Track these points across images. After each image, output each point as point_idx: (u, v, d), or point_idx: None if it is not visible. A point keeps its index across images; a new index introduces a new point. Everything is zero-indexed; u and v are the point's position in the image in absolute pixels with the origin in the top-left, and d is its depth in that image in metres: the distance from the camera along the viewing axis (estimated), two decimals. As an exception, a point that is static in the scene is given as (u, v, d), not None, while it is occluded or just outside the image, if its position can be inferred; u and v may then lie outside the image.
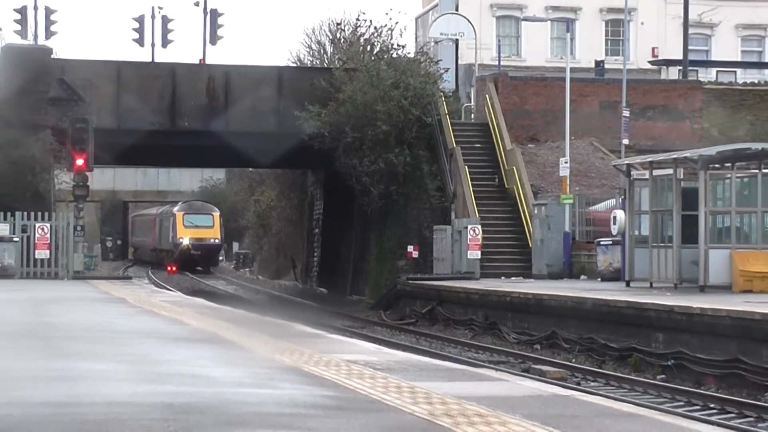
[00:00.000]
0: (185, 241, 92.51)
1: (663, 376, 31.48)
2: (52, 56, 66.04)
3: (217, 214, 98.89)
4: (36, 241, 52.48)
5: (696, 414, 23.84)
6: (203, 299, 44.58)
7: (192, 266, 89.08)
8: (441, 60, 68.08)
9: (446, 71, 66.69)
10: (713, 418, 23.07)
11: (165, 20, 69.56)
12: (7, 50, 62.87)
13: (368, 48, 68.34)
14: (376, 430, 10.98)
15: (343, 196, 68.11)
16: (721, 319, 31.32)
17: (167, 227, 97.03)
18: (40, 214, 54.09)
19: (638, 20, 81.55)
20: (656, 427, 12.36)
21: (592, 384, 30.30)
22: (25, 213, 53.32)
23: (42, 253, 52.40)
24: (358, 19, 70.18)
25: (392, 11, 75.34)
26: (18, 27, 66.76)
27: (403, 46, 70.78)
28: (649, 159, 44.25)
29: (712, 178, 39.79)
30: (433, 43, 72.41)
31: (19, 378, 14.86)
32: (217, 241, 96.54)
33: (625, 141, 56.90)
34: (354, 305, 58.89)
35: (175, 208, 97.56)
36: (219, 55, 69.75)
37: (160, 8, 69.48)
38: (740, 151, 41.35)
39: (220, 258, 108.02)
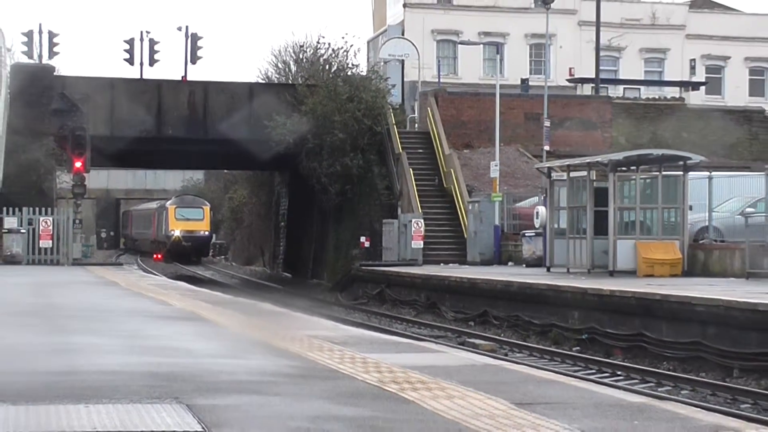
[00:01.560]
0: (176, 233, 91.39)
1: (578, 348, 31.62)
2: (55, 73, 65.89)
3: (207, 207, 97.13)
4: (40, 233, 52.32)
5: (605, 380, 23.95)
6: (185, 283, 44.47)
7: (183, 257, 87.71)
8: (389, 77, 68.00)
9: (394, 87, 66.67)
10: (620, 384, 23.19)
11: (152, 42, 69.38)
12: (16, 68, 62.60)
13: (327, 67, 68.30)
14: (333, 395, 11.05)
15: (305, 194, 68.01)
16: (627, 299, 31.54)
17: (161, 220, 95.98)
18: (43, 209, 53.91)
19: (557, 44, 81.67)
20: (571, 390, 12.49)
21: (518, 355, 30.39)
22: (31, 208, 53.11)
23: (45, 243, 52.24)
24: (318, 42, 70.14)
25: (347, 35, 75.22)
26: (25, 48, 66.82)
27: (357, 66, 70.88)
28: (567, 163, 44.44)
29: (620, 179, 39.92)
30: (382, 63, 72.28)
31: (24, 351, 14.89)
32: (206, 233, 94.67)
33: (547, 147, 57.04)
34: (314, 288, 58.70)
35: (168, 202, 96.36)
36: (199, 73, 69.90)
37: (148, 32, 69.35)
38: (643, 156, 41.59)
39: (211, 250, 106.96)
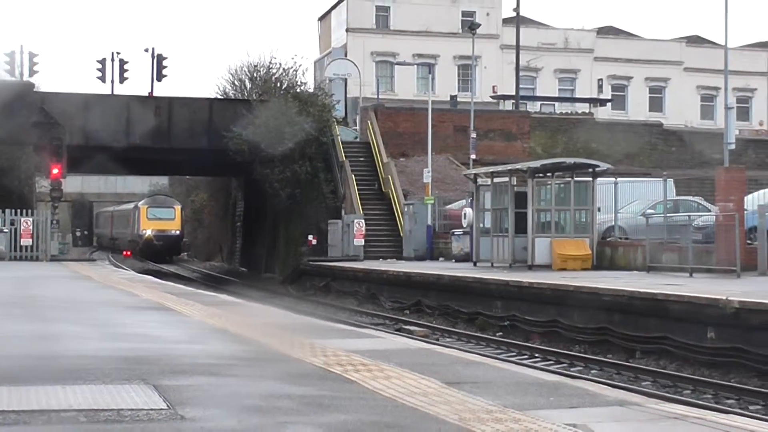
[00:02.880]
0: (148, 232, 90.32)
1: (501, 333, 31.62)
2: (34, 89, 65.65)
3: (178, 207, 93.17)
4: (21, 232, 52.09)
5: (525, 361, 23.98)
6: (151, 276, 44.32)
7: (155, 256, 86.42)
8: (334, 94, 68.02)
9: (338, 102, 66.68)
10: (537, 365, 23.26)
11: (122, 62, 69.29)
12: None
13: (278, 84, 68.16)
14: (284, 376, 11.02)
15: (258, 197, 67.78)
16: (543, 290, 31.62)
17: (133, 220, 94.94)
18: (24, 211, 53.70)
19: (482, 65, 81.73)
20: (495, 371, 12.54)
21: (448, 339, 30.37)
22: (13, 210, 52.86)
23: (26, 241, 52.01)
24: (270, 62, 69.97)
25: (296, 56, 75.18)
26: (8, 66, 66.58)
27: (305, 83, 70.72)
28: (491, 170, 44.48)
29: (537, 184, 40.02)
30: (328, 81, 72.22)
31: (8, 337, 14.78)
32: (177, 232, 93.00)
33: (473, 156, 57.10)
34: (267, 281, 58.52)
35: (140, 202, 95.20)
36: (164, 89, 69.60)
37: (118, 53, 69.35)
38: (558, 164, 41.71)
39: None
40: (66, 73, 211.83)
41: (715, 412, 11.44)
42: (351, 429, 8.09)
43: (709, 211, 37.70)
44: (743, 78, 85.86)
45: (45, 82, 73.88)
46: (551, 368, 23.05)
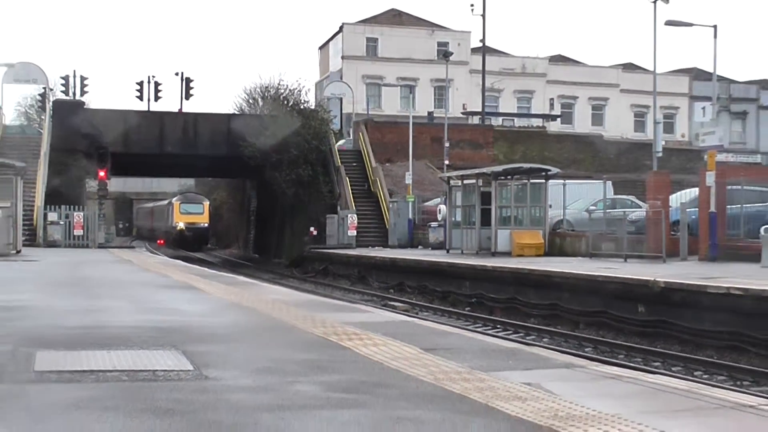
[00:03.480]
0: (180, 225, 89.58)
1: (469, 308, 31.64)
2: (84, 106, 65.67)
3: (206, 203, 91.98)
4: (74, 224, 52.00)
5: (489, 331, 24.00)
6: (181, 261, 44.22)
7: (186, 245, 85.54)
8: (331, 110, 67.85)
9: (335, 117, 66.61)
10: (499, 334, 23.27)
11: (156, 84, 69.23)
12: (57, 103, 62.37)
13: (285, 102, 68.12)
14: (289, 343, 11.05)
15: (268, 195, 67.65)
16: (504, 272, 31.71)
17: (168, 213, 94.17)
18: (76, 207, 53.55)
19: (454, 87, 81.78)
20: (464, 339, 12.60)
21: (425, 313, 30.29)
22: (67, 206, 52.74)
23: (78, 232, 51.90)
24: (279, 84, 69.94)
25: (300, 79, 75.11)
26: (63, 88, 66.66)
27: (307, 101, 70.68)
28: (461, 174, 44.51)
29: (499, 185, 39.99)
30: (326, 99, 71.95)
31: (64, 311, 14.74)
32: (206, 224, 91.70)
33: (446, 162, 57.10)
34: (276, 265, 58.37)
35: (174, 199, 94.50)
36: (190, 106, 69.50)
37: (153, 76, 69.45)
38: (516, 168, 41.71)
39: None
40: (110, 93, 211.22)
41: (644, 373, 11.48)
42: (345, 387, 8.10)
43: (641, 207, 37.77)
44: (668, 98, 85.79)
45: (93, 101, 73.65)
46: (510, 337, 23.07)
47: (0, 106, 59.48)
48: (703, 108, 39.17)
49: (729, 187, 33.46)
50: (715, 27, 39.78)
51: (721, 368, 18.39)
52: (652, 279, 23.97)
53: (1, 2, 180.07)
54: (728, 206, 33.00)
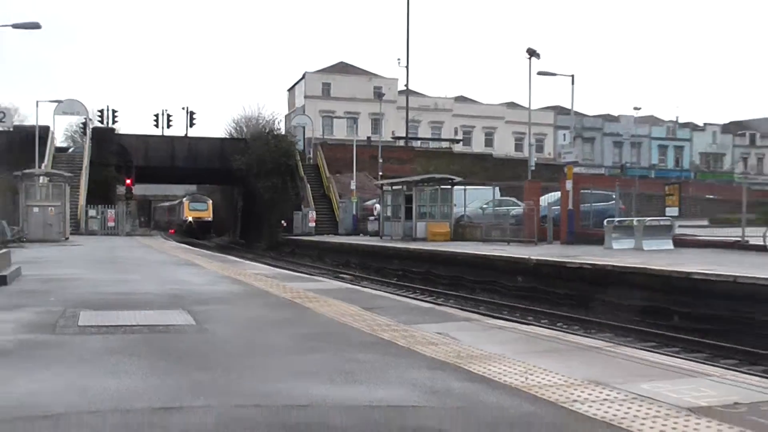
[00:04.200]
0: (189, 219, 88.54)
1: (396, 279, 31.54)
2: (115, 132, 65.54)
3: (210, 201, 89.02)
4: (107, 218, 51.65)
5: (410, 296, 23.89)
6: (187, 245, 43.97)
7: (193, 234, 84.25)
8: (297, 136, 67.82)
9: (299, 141, 66.58)
10: (418, 297, 23.05)
11: (168, 115, 69.45)
12: (94, 130, 62.08)
13: (263, 129, 68.28)
14: (266, 305, 11.05)
15: (251, 197, 67.45)
16: (422, 252, 31.74)
17: (180, 210, 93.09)
18: (109, 205, 53.25)
19: (386, 119, 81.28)
20: (394, 301, 12.60)
21: (365, 283, 30.04)
22: (103, 205, 52.43)
23: (111, 224, 51.51)
24: (258, 115, 70.46)
25: (274, 112, 75.71)
26: (99, 117, 66.62)
27: (279, 129, 71.08)
28: (391, 182, 44.48)
29: (418, 190, 39.99)
30: (293, 127, 71.80)
31: (102, 282, 14.61)
32: (209, 218, 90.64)
33: (380, 173, 56.98)
34: (256, 248, 57.97)
35: (184, 198, 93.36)
36: (193, 131, 68.85)
37: (166, 109, 69.74)
38: (430, 178, 41.74)
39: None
40: (134, 122, 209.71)
41: (522, 325, 11.58)
42: (306, 335, 8.10)
43: (519, 206, 37.98)
44: (539, 127, 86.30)
45: (122, 127, 73.26)
46: (426, 299, 23.04)
47: (52, 131, 58.76)
48: (564, 134, 39.74)
49: (581, 191, 33.94)
50: (572, 76, 40.13)
51: (575, 321, 18.58)
52: (528, 257, 24.18)
53: (51, 51, 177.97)
54: (581, 205, 33.47)
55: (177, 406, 5.00)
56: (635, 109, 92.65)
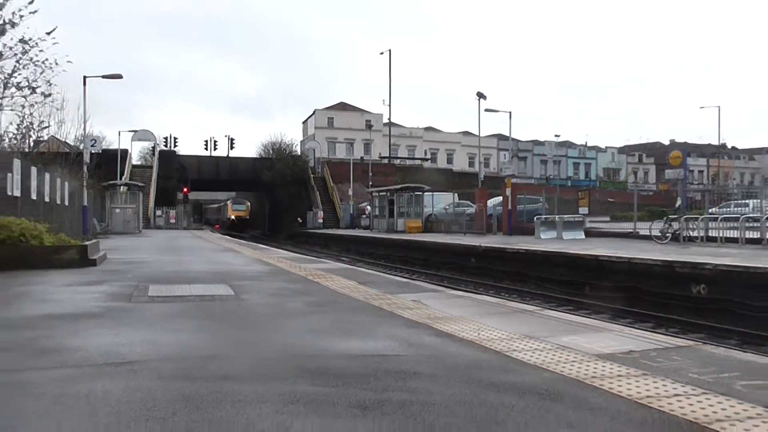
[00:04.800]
0: (232, 217, 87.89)
1: (383, 261, 31.36)
2: (176, 153, 65.34)
3: (248, 203, 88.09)
4: (170, 216, 51.52)
5: (392, 273, 23.85)
6: (228, 237, 43.82)
7: (234, 229, 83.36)
8: (309, 156, 67.83)
9: (310, 160, 66.65)
10: (398, 274, 23.06)
11: (215, 141, 70.11)
12: (161, 153, 62.03)
13: (285, 151, 68.12)
14: (287, 281, 10.94)
15: (276, 201, 67.48)
16: (401, 241, 31.69)
17: (225, 210, 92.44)
18: (171, 207, 53.14)
19: (375, 143, 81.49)
20: (380, 277, 12.50)
21: (360, 264, 30.01)
22: (167, 207, 52.35)
23: (172, 220, 51.41)
24: (281, 141, 70.33)
25: (293, 139, 75.33)
26: (164, 142, 66.44)
27: (296, 151, 70.80)
28: (378, 189, 44.46)
29: (398, 196, 40.05)
30: (307, 149, 71.83)
31: (165, 263, 14.50)
32: (247, 217, 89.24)
33: (371, 183, 56.90)
34: (280, 239, 57.92)
35: (228, 201, 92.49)
36: (233, 153, 68.44)
37: (213, 137, 70.10)
38: (408, 187, 41.67)
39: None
40: (191, 145, 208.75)
41: (475, 294, 11.56)
42: (316, 302, 8.06)
43: (473, 207, 38.02)
44: (486, 150, 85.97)
45: (181, 150, 73.02)
46: (404, 276, 22.97)
47: (130, 153, 58.50)
48: (504, 154, 39.84)
49: (518, 196, 33.99)
50: (510, 112, 40.51)
51: (514, 291, 18.59)
52: (479, 244, 24.18)
53: (129, 93, 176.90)
54: (518, 206, 33.51)
55: (220, 355, 4.96)
56: (556, 135, 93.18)
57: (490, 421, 3.43)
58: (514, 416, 3.51)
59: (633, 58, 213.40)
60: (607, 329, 6.48)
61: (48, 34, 15.96)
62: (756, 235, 20.10)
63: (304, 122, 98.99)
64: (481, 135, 51.30)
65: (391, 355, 5.01)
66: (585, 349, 5.29)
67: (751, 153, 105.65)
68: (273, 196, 69.01)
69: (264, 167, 63.66)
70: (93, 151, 31.63)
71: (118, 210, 38.92)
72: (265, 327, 6.30)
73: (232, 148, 72.18)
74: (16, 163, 15.67)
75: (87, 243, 14.01)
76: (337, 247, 40.72)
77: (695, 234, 21.99)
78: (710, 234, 21.54)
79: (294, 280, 11.03)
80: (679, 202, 27.56)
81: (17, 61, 16.04)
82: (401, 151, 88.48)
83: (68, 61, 16.40)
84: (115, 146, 55.00)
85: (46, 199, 19.34)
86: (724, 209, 24.62)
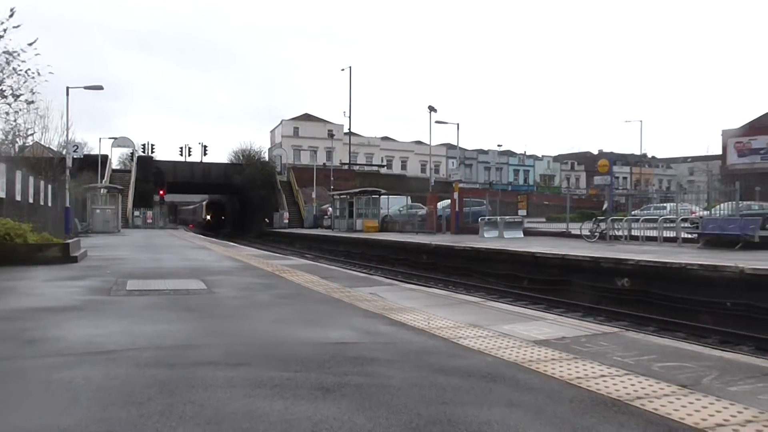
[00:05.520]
0: (207, 217, 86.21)
1: (343, 257, 31.14)
2: (153, 159, 64.12)
3: (223, 204, 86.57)
4: (147, 216, 50.56)
5: (352, 269, 23.81)
6: (201, 236, 43.17)
7: (209, 229, 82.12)
8: (276, 162, 67.19)
9: (278, 165, 66.03)
10: (357, 269, 23.05)
11: (189, 148, 68.21)
12: (139, 158, 60.70)
13: (255, 157, 67.43)
14: (255, 276, 10.81)
15: (245, 203, 66.65)
16: (359, 240, 31.55)
17: (200, 211, 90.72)
18: (149, 208, 52.17)
19: (336, 151, 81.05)
20: (341, 272, 12.35)
21: (322, 260, 29.93)
22: (144, 208, 51.37)
23: (149, 220, 50.44)
24: (250, 148, 69.66)
25: (261, 147, 74.77)
26: (142, 149, 65.11)
27: (264, 157, 70.23)
28: (339, 193, 44.28)
29: (357, 198, 40.06)
30: (274, 156, 71.17)
31: (142, 260, 14.22)
32: (224, 218, 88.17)
33: (332, 187, 56.61)
34: (249, 238, 57.32)
35: (204, 202, 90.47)
36: (207, 158, 67.27)
37: (188, 144, 68.69)
38: (365, 190, 41.69)
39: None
40: (167, 151, 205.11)
41: (426, 287, 11.60)
42: (282, 295, 8.00)
43: (424, 209, 38.18)
44: (436, 157, 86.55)
45: (158, 155, 71.66)
46: (363, 271, 22.92)
47: (110, 159, 57.28)
48: (452, 162, 39.92)
49: (464, 199, 34.24)
50: (458, 124, 41.08)
51: (461, 285, 18.71)
52: (429, 242, 24.28)
53: (109, 103, 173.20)
54: (464, 208, 33.76)
55: (193, 344, 4.89)
56: (498, 145, 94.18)
57: (439, 401, 3.46)
58: (461, 396, 3.54)
59: (566, 75, 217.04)
60: (543, 318, 6.57)
61: (30, 45, 15.68)
62: (672, 234, 20.63)
63: (271, 131, 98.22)
64: (432, 144, 51.55)
65: (350, 343, 5.00)
66: (523, 336, 5.36)
67: (669, 162, 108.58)
68: (243, 199, 68.26)
69: (235, 172, 62.96)
70: (75, 156, 30.92)
71: (98, 211, 38.08)
72: (235, 318, 6.22)
73: (205, 154, 71.24)
74: (1, 167, 15.26)
75: (69, 241, 13.68)
76: (301, 245, 40.46)
77: (620, 233, 22.46)
78: (633, 233, 22.03)
79: (262, 275, 10.92)
80: (606, 205, 28.07)
81: (1, 71, 15.69)
82: (360, 158, 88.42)
83: (50, 72, 16.18)
84: (96, 152, 53.84)
85: (30, 200, 18.86)
86: (645, 212, 25.21)
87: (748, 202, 20.94)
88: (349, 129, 76.14)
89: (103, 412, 3.24)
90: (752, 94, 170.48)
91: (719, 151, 56.94)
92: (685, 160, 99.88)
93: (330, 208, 48.34)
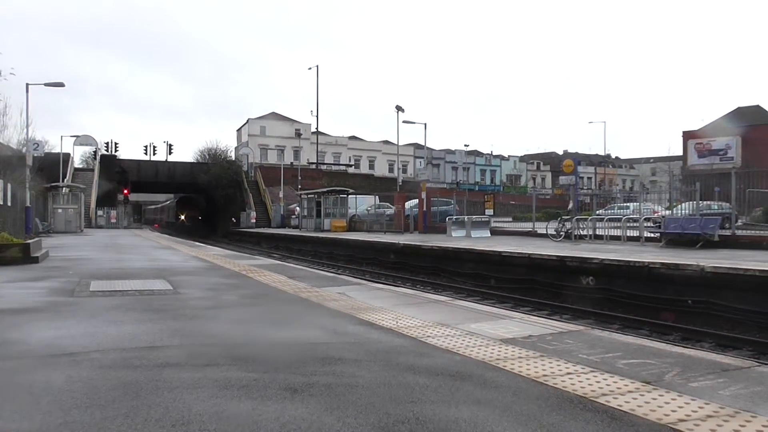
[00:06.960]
0: (182, 217, 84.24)
1: (310, 257, 31.01)
2: (117, 158, 63.13)
3: (196, 203, 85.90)
4: (111, 216, 49.77)
5: (321, 269, 23.74)
6: (167, 235, 42.59)
7: (184, 229, 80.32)
8: (243, 161, 66.60)
9: (244, 164, 65.35)
10: (325, 270, 22.97)
11: (154, 147, 67.32)
12: (102, 156, 59.88)
13: (220, 156, 66.76)
14: (222, 276, 10.72)
15: (211, 202, 65.76)
16: (327, 239, 31.36)
17: (172, 210, 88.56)
18: (112, 207, 51.33)
19: (304, 150, 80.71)
20: (308, 272, 12.31)
21: (290, 260, 29.70)
22: (108, 207, 50.54)
23: (113, 220, 49.67)
24: (216, 147, 68.81)
25: (227, 145, 73.91)
26: (106, 147, 64.03)
27: (231, 156, 69.46)
28: (307, 192, 43.96)
29: (325, 198, 39.83)
30: (241, 155, 70.50)
31: (105, 260, 13.98)
32: (200, 218, 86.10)
33: (300, 187, 56.36)
34: (215, 237, 56.76)
35: (175, 201, 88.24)
36: (172, 157, 66.10)
37: (153, 143, 67.72)
38: (333, 190, 41.50)
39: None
40: (130, 150, 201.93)
41: (394, 287, 11.61)
42: (249, 295, 7.93)
43: (392, 208, 38.18)
44: (404, 157, 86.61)
45: (122, 154, 70.62)
46: (330, 271, 22.84)
47: (72, 157, 56.19)
48: (420, 162, 40.12)
49: (432, 199, 34.38)
50: (425, 124, 40.92)
51: (428, 284, 18.75)
52: (397, 242, 24.30)
53: (70, 100, 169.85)
54: (432, 207, 33.89)
55: (158, 345, 4.82)
56: (465, 145, 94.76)
57: (407, 399, 3.46)
58: (429, 395, 3.55)
59: (532, 76, 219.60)
60: (510, 317, 6.63)
61: None
62: (636, 233, 20.99)
63: (238, 130, 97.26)
64: (399, 144, 51.75)
65: (318, 343, 4.98)
66: (490, 334, 5.40)
67: (632, 162, 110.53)
68: (209, 198, 67.41)
69: (201, 171, 62.23)
70: (36, 155, 30.13)
71: (60, 210, 37.30)
72: (201, 318, 6.15)
73: (170, 153, 70.16)
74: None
75: (29, 241, 13.38)
76: (268, 245, 40.14)
77: (585, 233, 22.76)
78: (597, 233, 22.35)
79: (228, 275, 10.82)
80: (571, 205, 28.43)
81: None
82: (328, 158, 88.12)
83: (11, 73, 15.85)
84: (57, 150, 52.69)
85: (-11, 199, 18.38)
86: (609, 211, 25.60)
87: (708, 202, 21.41)
88: (317, 128, 75.96)
89: (66, 415, 3.17)
90: (713, 95, 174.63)
91: (680, 152, 58.13)
92: (647, 160, 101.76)
93: (297, 208, 48.08)
